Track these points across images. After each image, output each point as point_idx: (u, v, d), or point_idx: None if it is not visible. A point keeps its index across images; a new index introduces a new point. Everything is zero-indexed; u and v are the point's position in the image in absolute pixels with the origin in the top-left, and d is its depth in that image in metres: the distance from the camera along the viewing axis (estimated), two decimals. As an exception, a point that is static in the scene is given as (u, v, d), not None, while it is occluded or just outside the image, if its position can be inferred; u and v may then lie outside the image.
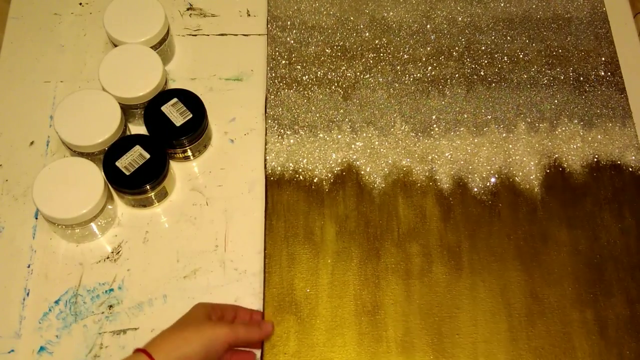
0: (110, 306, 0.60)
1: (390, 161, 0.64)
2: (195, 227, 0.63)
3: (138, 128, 0.66)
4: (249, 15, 0.73)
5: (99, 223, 0.61)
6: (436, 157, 0.64)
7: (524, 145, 0.65)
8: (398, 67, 0.68)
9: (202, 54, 0.71)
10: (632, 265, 0.60)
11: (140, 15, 0.65)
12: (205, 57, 0.71)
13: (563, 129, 0.66)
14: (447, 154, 0.64)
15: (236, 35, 0.72)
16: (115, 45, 0.65)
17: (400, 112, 0.66)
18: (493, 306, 0.59)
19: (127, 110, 0.64)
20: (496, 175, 0.64)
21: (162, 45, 0.67)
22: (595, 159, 0.65)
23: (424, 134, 0.65)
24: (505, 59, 0.69)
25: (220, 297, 0.60)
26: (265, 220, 0.61)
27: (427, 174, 0.63)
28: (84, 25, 0.72)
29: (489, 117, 0.66)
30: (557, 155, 0.65)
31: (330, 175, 0.63)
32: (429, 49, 0.69)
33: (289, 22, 0.70)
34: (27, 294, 0.61)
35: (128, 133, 0.65)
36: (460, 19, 0.71)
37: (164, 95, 0.63)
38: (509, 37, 0.70)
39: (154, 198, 0.63)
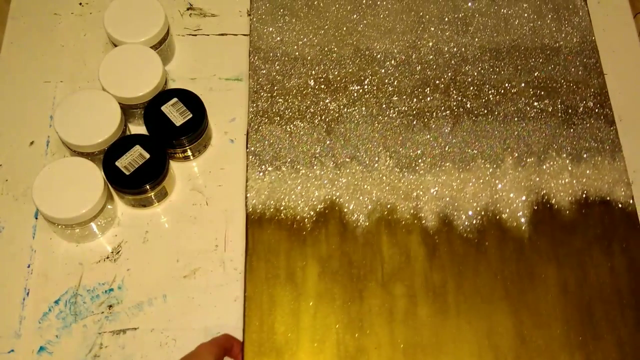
0: (110, 306, 0.60)
1: (374, 198, 0.62)
2: (195, 227, 0.63)
3: (138, 128, 0.66)
4: (249, 15, 0.72)
5: (99, 223, 0.61)
6: (421, 193, 0.63)
7: (511, 180, 0.64)
8: (383, 100, 0.67)
9: (202, 54, 0.71)
10: (622, 306, 0.59)
11: (140, 15, 0.65)
12: (205, 57, 0.71)
13: (551, 163, 0.64)
14: (432, 190, 0.63)
15: (236, 35, 0.72)
16: (115, 45, 0.65)
17: (385, 147, 0.65)
18: (480, 349, 0.57)
19: (127, 110, 0.64)
20: (482, 212, 0.62)
21: (162, 45, 0.67)
22: (584, 195, 0.63)
23: (408, 169, 0.64)
24: (492, 91, 0.68)
25: (220, 297, 0.61)
26: (245, 261, 0.60)
27: (412, 211, 0.62)
28: (84, 25, 0.72)
29: (475, 151, 0.65)
30: (545, 191, 0.63)
31: (312, 213, 0.62)
32: (414, 80, 0.68)
33: (271, 54, 0.68)
34: (27, 294, 0.60)
35: (128, 133, 0.65)
36: (446, 49, 0.69)
37: (164, 95, 0.63)
38: (496, 68, 0.69)
39: (153, 198, 0.63)
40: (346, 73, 0.68)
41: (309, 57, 0.68)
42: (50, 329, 0.59)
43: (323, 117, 0.66)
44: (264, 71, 0.67)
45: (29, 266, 0.62)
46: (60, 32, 0.72)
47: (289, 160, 0.64)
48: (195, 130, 0.63)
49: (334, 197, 0.62)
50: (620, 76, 0.72)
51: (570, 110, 0.67)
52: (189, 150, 0.65)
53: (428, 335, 0.57)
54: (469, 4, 0.71)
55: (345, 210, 0.62)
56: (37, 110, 0.68)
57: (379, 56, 0.69)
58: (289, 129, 0.65)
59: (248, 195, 0.62)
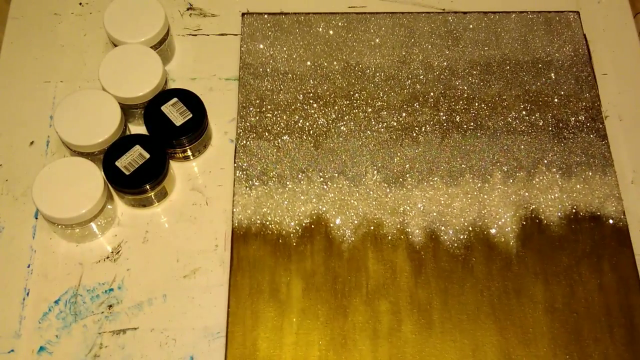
0: (110, 306, 0.60)
1: (360, 213, 0.62)
2: (195, 227, 0.63)
3: (138, 128, 0.67)
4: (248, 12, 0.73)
5: (99, 223, 0.61)
6: (408, 208, 0.62)
7: (499, 195, 0.63)
8: (371, 115, 0.66)
9: (202, 54, 0.72)
10: (611, 324, 0.58)
11: (140, 15, 0.66)
12: (205, 57, 0.71)
13: (541, 178, 0.64)
14: (419, 205, 0.62)
15: (236, 35, 0.73)
16: (115, 45, 0.66)
17: (372, 162, 0.64)
18: (465, 367, 0.56)
19: (127, 110, 0.64)
20: (470, 228, 0.62)
21: (162, 45, 0.67)
22: (574, 210, 0.62)
23: (396, 184, 0.63)
24: (482, 105, 0.67)
25: (220, 297, 0.60)
26: (229, 277, 0.60)
27: (398, 226, 0.62)
28: (84, 25, 0.73)
29: (464, 166, 0.64)
30: (534, 206, 0.62)
31: (298, 228, 0.61)
32: (403, 95, 0.67)
33: (261, 69, 0.68)
34: (27, 294, 0.61)
35: (128, 133, 0.65)
36: (436, 63, 0.69)
37: (164, 95, 0.64)
38: (486, 82, 0.68)
39: (153, 198, 0.63)
40: (335, 88, 0.68)
41: (298, 72, 0.68)
42: (50, 329, 0.60)
43: (311, 132, 0.66)
44: (254, 86, 0.68)
45: (29, 266, 0.62)
46: (60, 32, 0.73)
47: (276, 175, 0.64)
48: (195, 130, 0.63)
49: (321, 212, 0.62)
50: (620, 76, 0.71)
51: (561, 124, 0.66)
52: (189, 150, 0.65)
53: (412, 353, 0.57)
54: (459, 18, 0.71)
55: (332, 225, 0.62)
56: (37, 110, 0.69)
57: (368, 71, 0.69)
58: (277, 144, 0.65)
59: (234, 210, 0.62)
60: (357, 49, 0.70)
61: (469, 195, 0.63)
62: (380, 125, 0.66)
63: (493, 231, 0.61)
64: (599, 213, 0.62)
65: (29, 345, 0.59)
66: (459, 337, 0.57)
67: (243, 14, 0.71)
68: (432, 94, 0.68)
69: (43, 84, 0.70)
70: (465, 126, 0.66)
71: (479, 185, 0.63)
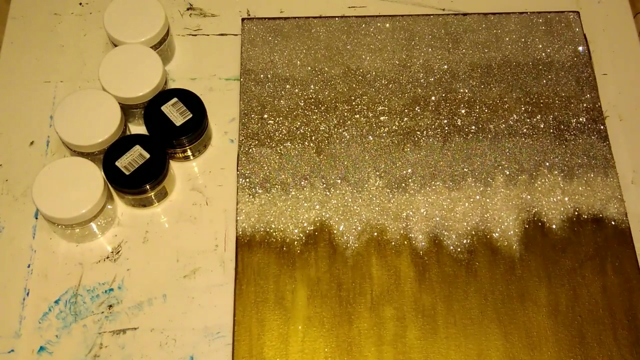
0: (110, 306, 0.60)
1: (364, 219, 0.62)
2: (195, 227, 0.64)
3: (138, 128, 0.67)
4: (248, 15, 0.73)
5: (99, 223, 0.61)
6: (411, 213, 0.63)
7: (502, 199, 0.63)
8: (373, 120, 0.67)
9: (202, 54, 0.72)
10: (614, 326, 0.58)
11: (140, 15, 0.66)
12: (205, 57, 0.72)
13: (543, 180, 0.64)
14: (422, 210, 0.63)
15: (236, 35, 0.73)
16: (115, 45, 0.66)
17: (375, 167, 0.64)
18: (470, 372, 0.57)
19: (127, 110, 0.65)
20: (473, 232, 0.62)
21: (162, 45, 0.67)
22: (576, 212, 0.63)
23: (398, 189, 0.64)
24: (483, 108, 0.67)
25: (220, 297, 0.61)
26: (235, 285, 0.60)
27: (401, 231, 0.62)
28: (84, 25, 0.73)
29: (466, 169, 0.64)
30: (536, 210, 0.63)
31: (302, 235, 0.62)
32: (404, 99, 0.67)
33: (262, 75, 0.68)
34: (27, 294, 0.61)
35: (128, 133, 0.65)
36: (437, 67, 0.69)
37: (164, 95, 0.64)
38: (487, 85, 0.68)
39: (153, 198, 0.63)
40: (336, 93, 0.68)
41: (299, 78, 0.68)
42: (50, 329, 0.60)
43: (313, 138, 0.66)
44: (255, 93, 0.68)
45: (29, 266, 0.62)
46: (60, 32, 0.73)
47: (279, 182, 0.64)
48: (195, 130, 0.63)
49: (324, 219, 0.62)
50: (620, 76, 0.71)
51: (562, 126, 0.66)
52: (189, 150, 0.65)
53: (417, 358, 0.57)
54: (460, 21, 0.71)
55: (335, 232, 0.62)
56: (37, 110, 0.69)
57: (369, 75, 0.69)
58: (279, 151, 0.65)
59: (238, 218, 0.62)
60: (358, 53, 0.70)
61: (472, 199, 0.63)
62: (381, 130, 0.66)
63: (496, 235, 0.62)
64: (601, 215, 0.62)
65: (29, 345, 0.59)
66: (463, 342, 0.58)
67: (243, 19, 0.71)
68: (433, 97, 0.68)
69: (43, 84, 0.70)
70: (466, 130, 0.66)
71: (481, 189, 0.64)
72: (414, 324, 0.58)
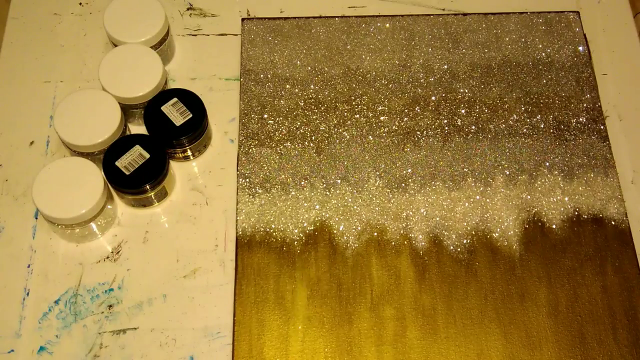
0: (110, 306, 0.60)
1: (364, 219, 0.62)
2: (195, 227, 0.64)
3: (138, 128, 0.67)
4: (248, 15, 0.73)
5: (99, 223, 0.61)
6: (411, 213, 0.63)
7: (502, 199, 0.63)
8: (373, 120, 0.66)
9: (202, 54, 0.72)
10: (614, 326, 0.58)
11: (140, 15, 0.66)
12: (205, 57, 0.72)
13: (543, 180, 0.64)
14: (422, 210, 0.63)
15: (236, 35, 0.73)
16: (115, 45, 0.66)
17: (375, 167, 0.64)
18: (470, 371, 0.57)
19: (127, 110, 0.65)
20: (473, 232, 0.62)
21: (162, 45, 0.67)
22: (576, 213, 0.63)
23: (398, 189, 0.64)
24: (483, 108, 0.67)
25: (220, 297, 0.61)
26: (235, 285, 0.60)
27: (401, 231, 0.62)
28: (84, 25, 0.73)
29: (466, 170, 0.64)
30: (536, 210, 0.63)
31: (302, 235, 0.62)
32: (404, 99, 0.67)
33: (262, 75, 0.68)
34: (27, 294, 0.61)
35: (128, 133, 0.65)
36: (437, 67, 0.69)
37: (164, 95, 0.64)
38: (487, 85, 0.68)
39: (153, 198, 0.63)
40: (336, 93, 0.68)
41: (299, 78, 0.68)
42: (50, 329, 0.60)
43: (313, 138, 0.66)
44: (255, 93, 0.68)
45: (29, 266, 0.62)
46: (60, 32, 0.73)
47: (279, 182, 0.64)
48: (195, 130, 0.63)
49: (324, 219, 0.62)
50: (620, 76, 0.71)
51: (562, 126, 0.66)
52: (189, 150, 0.65)
53: (417, 358, 0.57)
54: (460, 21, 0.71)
55: (335, 232, 0.62)
56: (37, 110, 0.69)
57: (368, 75, 0.69)
58: (279, 151, 0.65)
59: (238, 218, 0.62)
60: (358, 53, 0.70)
61: (472, 199, 0.63)
62: (381, 130, 0.66)
63: (496, 235, 0.62)
64: (601, 215, 0.62)
65: (29, 345, 0.59)
66: (463, 342, 0.58)
67: (243, 19, 0.71)
68: (433, 97, 0.68)
69: (43, 84, 0.70)
70: (466, 130, 0.66)
71: (481, 189, 0.64)
72: (414, 324, 0.58)
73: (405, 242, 0.61)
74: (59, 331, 0.60)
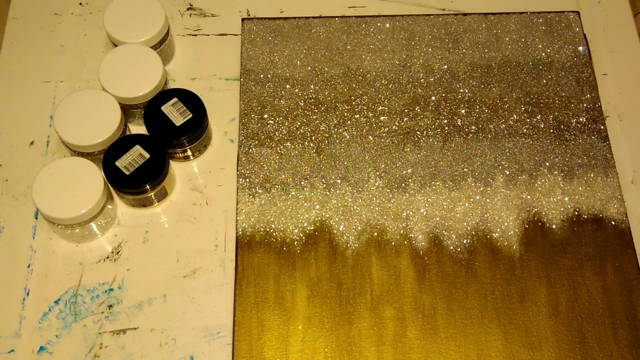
0: (110, 306, 0.60)
1: (364, 219, 0.62)
2: (195, 227, 0.64)
3: (138, 128, 0.67)
4: (248, 15, 0.73)
5: (99, 223, 0.61)
6: (411, 213, 0.63)
7: (502, 199, 0.63)
8: (373, 120, 0.66)
9: (202, 54, 0.72)
10: (614, 326, 0.58)
11: (140, 15, 0.66)
12: (205, 57, 0.72)
13: (543, 180, 0.64)
14: (422, 210, 0.63)
15: (236, 35, 0.73)
16: (115, 45, 0.66)
17: (375, 167, 0.64)
18: (470, 371, 0.57)
19: (127, 110, 0.65)
20: (473, 232, 0.62)
21: (162, 45, 0.67)
22: (576, 213, 0.63)
23: (398, 189, 0.64)
24: (484, 108, 0.67)
25: (220, 297, 0.61)
26: (235, 285, 0.60)
27: (401, 231, 0.62)
28: (84, 25, 0.73)
29: (466, 170, 0.64)
30: (536, 210, 0.63)
31: (302, 235, 0.62)
32: (404, 99, 0.67)
33: (262, 75, 0.68)
34: (27, 294, 0.61)
35: (128, 133, 0.65)
36: (437, 67, 0.69)
37: (164, 95, 0.64)
38: (487, 85, 0.68)
39: (153, 198, 0.63)
40: (336, 93, 0.68)
41: (299, 78, 0.68)
42: (50, 329, 0.60)
43: (313, 138, 0.66)
44: (255, 93, 0.68)
45: (29, 266, 0.62)
46: (60, 32, 0.73)
47: (279, 182, 0.64)
48: (195, 130, 0.63)
49: (324, 219, 0.62)
50: (620, 76, 0.71)
51: (562, 126, 0.66)
52: (189, 150, 0.65)
53: (417, 358, 0.57)
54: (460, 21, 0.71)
55: (335, 232, 0.62)
56: (37, 110, 0.69)
57: (369, 75, 0.69)
58: (279, 150, 0.65)
59: (238, 218, 0.62)
60: (358, 53, 0.70)
61: (472, 199, 0.63)
62: (381, 130, 0.66)
63: (496, 235, 0.62)
64: (601, 215, 0.62)
65: (29, 345, 0.59)
66: (463, 342, 0.58)
67: (243, 19, 0.71)
68: (433, 97, 0.68)
69: (43, 84, 0.70)
70: (466, 130, 0.66)
71: (481, 189, 0.64)
72: (414, 324, 0.58)
73: (405, 242, 0.61)
74: (59, 331, 0.60)
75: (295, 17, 0.71)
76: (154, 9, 0.66)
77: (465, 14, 0.72)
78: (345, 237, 0.62)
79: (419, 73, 0.69)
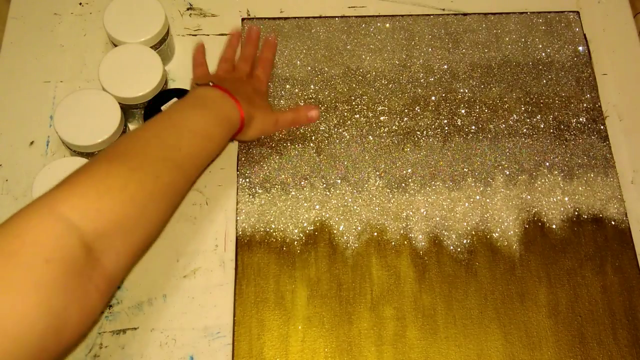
0: (110, 306, 0.60)
1: (364, 219, 0.62)
2: (195, 226, 0.64)
3: None
4: (248, 15, 0.73)
5: None
6: (411, 213, 0.63)
7: (502, 199, 0.63)
8: (373, 120, 0.66)
9: None
10: (614, 327, 0.58)
11: (140, 15, 0.66)
12: (206, 57, 0.71)
13: (543, 180, 0.64)
14: (422, 210, 0.63)
15: None
16: (115, 45, 0.66)
17: (375, 167, 0.64)
18: (470, 372, 0.57)
19: (127, 110, 0.65)
20: (473, 232, 0.62)
21: (162, 45, 0.67)
22: (576, 213, 0.63)
23: (398, 189, 0.64)
24: (483, 108, 0.67)
25: (220, 297, 0.61)
26: (235, 285, 0.60)
27: (401, 231, 0.62)
28: (84, 25, 0.73)
29: (466, 170, 0.64)
30: (536, 210, 0.63)
31: (302, 235, 0.62)
32: (404, 99, 0.67)
33: (261, 75, 0.68)
34: None
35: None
36: (437, 67, 0.69)
37: (164, 95, 0.64)
38: (487, 85, 0.68)
39: None
40: (336, 93, 0.68)
41: (299, 78, 0.68)
42: None
43: (313, 138, 0.66)
44: (254, 93, 0.68)
45: None
46: (60, 32, 0.73)
47: (279, 182, 0.64)
48: None
49: (324, 219, 0.62)
50: (620, 76, 0.71)
51: (562, 126, 0.66)
52: None
53: (417, 358, 0.57)
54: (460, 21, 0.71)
55: (335, 232, 0.62)
56: (37, 110, 0.69)
57: (368, 75, 0.69)
58: (279, 150, 0.65)
59: (238, 218, 0.62)
60: (358, 53, 0.70)
61: (472, 199, 0.63)
62: (381, 130, 0.66)
63: (496, 235, 0.62)
64: (601, 215, 0.62)
65: (30, 345, 0.59)
66: (463, 342, 0.58)
67: (243, 19, 0.71)
68: (433, 97, 0.68)
69: (43, 84, 0.70)
70: (466, 130, 0.66)
71: (481, 189, 0.64)
72: (414, 324, 0.58)
73: (405, 242, 0.61)
74: (59, 331, 0.60)
75: (295, 17, 0.71)
76: (154, 9, 0.66)
77: (465, 14, 0.72)
78: (345, 237, 0.62)
79: (419, 73, 0.69)
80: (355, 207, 0.63)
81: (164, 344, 0.59)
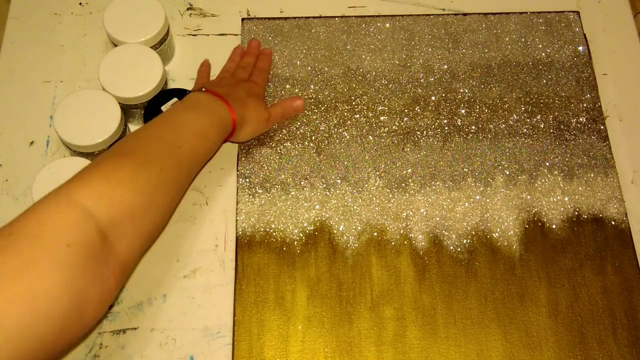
0: (110, 306, 0.60)
1: (364, 219, 0.62)
2: (195, 226, 0.64)
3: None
4: (248, 15, 0.73)
5: None
6: (411, 213, 0.63)
7: (502, 199, 0.63)
8: (373, 120, 0.66)
9: (202, 54, 0.72)
10: (614, 326, 0.58)
11: (140, 15, 0.66)
12: (205, 57, 0.71)
13: (543, 180, 0.64)
14: (422, 210, 0.63)
15: (236, 35, 0.73)
16: (115, 45, 0.66)
17: (375, 167, 0.64)
18: (470, 372, 0.57)
19: (127, 110, 0.65)
20: (473, 232, 0.62)
21: (162, 45, 0.67)
22: (576, 213, 0.63)
23: (398, 189, 0.64)
24: (483, 108, 0.67)
25: (220, 297, 0.61)
26: (235, 285, 0.60)
27: (401, 231, 0.62)
28: (84, 25, 0.73)
29: (466, 170, 0.64)
30: (536, 210, 0.63)
31: (302, 235, 0.62)
32: (404, 99, 0.67)
33: (261, 75, 0.68)
34: None
35: (128, 133, 0.65)
36: (437, 67, 0.69)
37: (164, 95, 0.64)
38: (487, 85, 0.68)
39: None
40: (336, 93, 0.68)
41: (299, 78, 0.68)
42: None
43: (313, 138, 0.66)
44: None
45: None
46: (60, 32, 0.73)
47: (279, 182, 0.64)
48: None
49: (324, 219, 0.62)
50: (620, 76, 0.71)
51: (562, 126, 0.66)
52: None
53: (417, 358, 0.57)
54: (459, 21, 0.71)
55: (335, 232, 0.62)
56: (37, 110, 0.69)
57: (368, 75, 0.69)
58: (279, 150, 0.65)
59: (238, 218, 0.62)
60: (358, 53, 0.70)
61: (472, 199, 0.63)
62: (381, 130, 0.66)
63: (496, 235, 0.62)
64: (601, 215, 0.62)
65: (30, 345, 0.59)
66: (463, 342, 0.58)
67: (243, 19, 0.71)
68: (433, 97, 0.68)
69: (43, 84, 0.70)
70: (466, 130, 0.66)
71: (481, 189, 0.64)
72: (414, 324, 0.58)
73: (405, 242, 0.61)
74: (59, 331, 0.60)
75: (295, 17, 0.71)
76: (154, 9, 0.66)
77: (465, 14, 0.72)
78: (345, 237, 0.62)
79: (419, 73, 0.69)
80: (355, 207, 0.63)
81: (164, 344, 0.59)
